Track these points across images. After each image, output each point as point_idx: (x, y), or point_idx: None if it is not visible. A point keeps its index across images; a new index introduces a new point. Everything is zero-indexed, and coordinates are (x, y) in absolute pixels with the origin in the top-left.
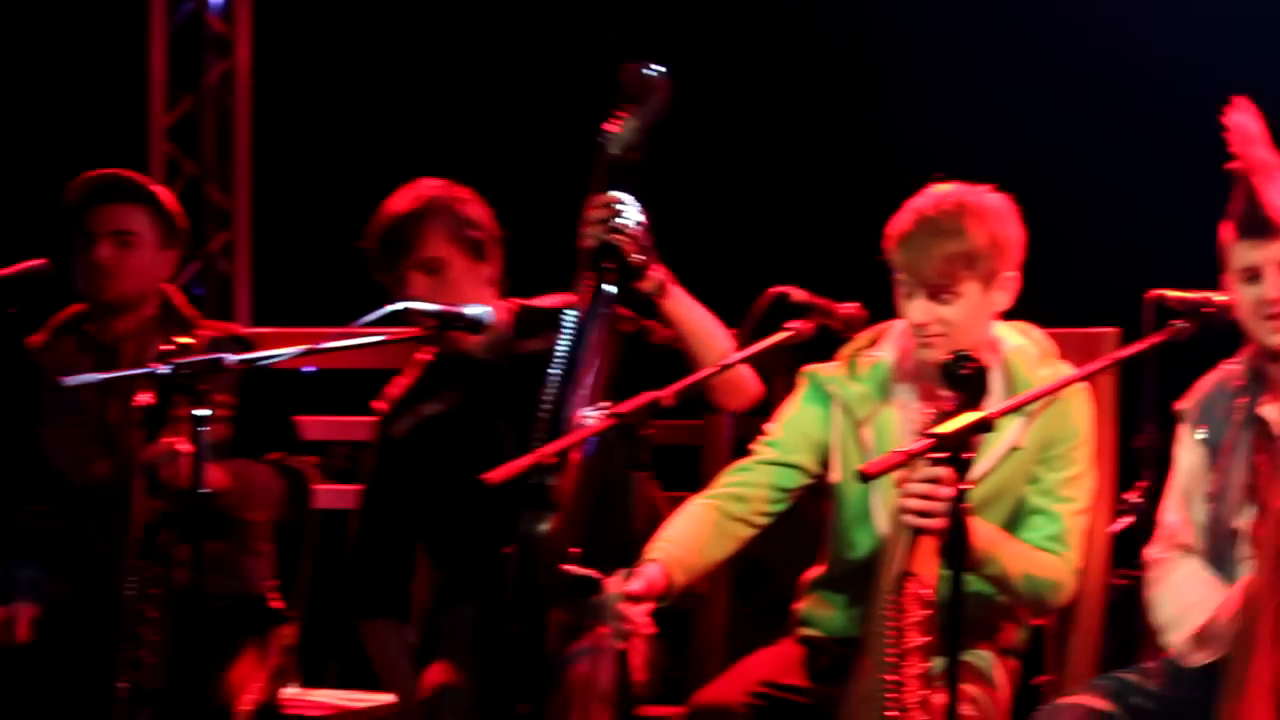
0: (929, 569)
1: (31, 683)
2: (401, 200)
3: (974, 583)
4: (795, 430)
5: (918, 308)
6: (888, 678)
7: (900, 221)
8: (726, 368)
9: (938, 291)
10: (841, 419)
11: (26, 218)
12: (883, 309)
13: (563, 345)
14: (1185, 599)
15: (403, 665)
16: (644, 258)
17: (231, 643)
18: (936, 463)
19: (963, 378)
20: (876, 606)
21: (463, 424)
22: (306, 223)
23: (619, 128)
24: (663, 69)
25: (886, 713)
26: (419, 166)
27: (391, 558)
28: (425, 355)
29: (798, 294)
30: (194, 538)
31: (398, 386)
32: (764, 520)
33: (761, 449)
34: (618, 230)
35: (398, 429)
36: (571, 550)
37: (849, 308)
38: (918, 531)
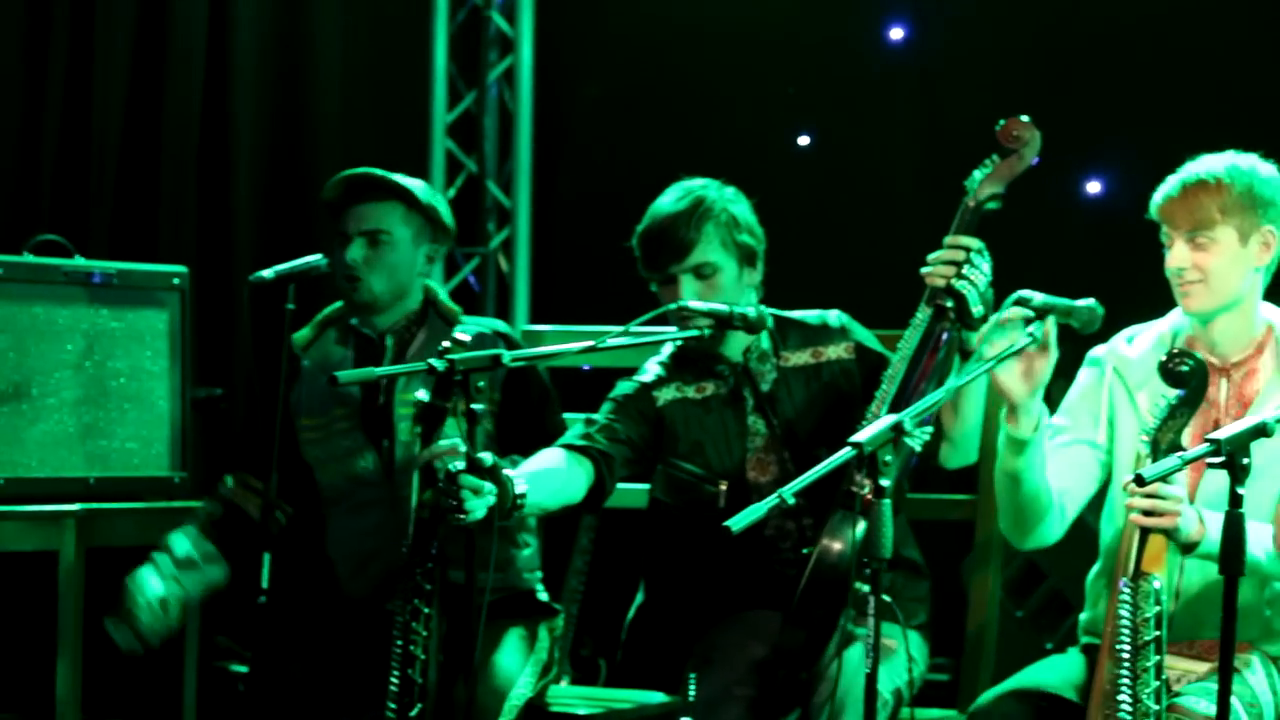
0: (1159, 566)
1: (304, 677)
2: (673, 201)
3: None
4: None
5: (1175, 253)
6: (1121, 674)
7: (1169, 179)
8: (965, 384)
9: (1194, 234)
10: (1115, 383)
11: (311, 214)
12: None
13: (893, 366)
14: None
15: None
16: (984, 311)
17: (499, 637)
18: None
19: (1180, 374)
20: (1111, 605)
21: (714, 413)
22: (585, 221)
23: (987, 175)
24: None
25: (1120, 709)
26: (704, 166)
27: None
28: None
29: (1035, 296)
30: (468, 533)
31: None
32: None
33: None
34: (967, 279)
35: (660, 397)
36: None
37: (1085, 304)
38: (1148, 530)
